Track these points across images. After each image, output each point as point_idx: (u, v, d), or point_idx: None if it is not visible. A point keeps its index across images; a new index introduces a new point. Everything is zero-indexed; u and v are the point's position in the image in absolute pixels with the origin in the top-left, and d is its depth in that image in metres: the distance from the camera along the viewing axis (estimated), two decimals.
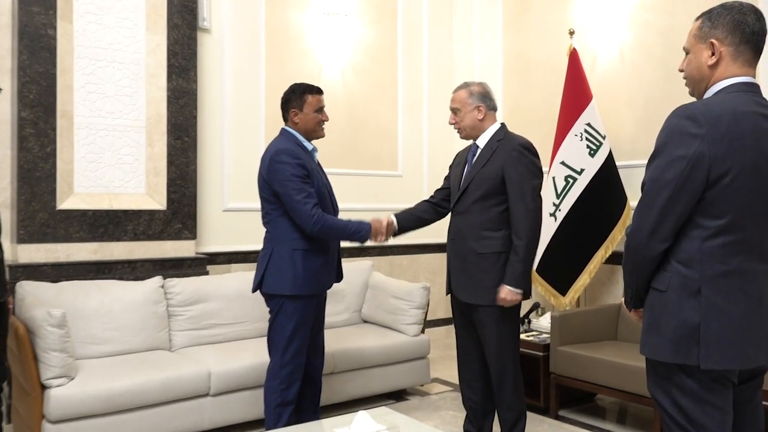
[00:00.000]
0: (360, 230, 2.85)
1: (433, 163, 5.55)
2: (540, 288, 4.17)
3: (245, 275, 3.88)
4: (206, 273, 4.11)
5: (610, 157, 4.04)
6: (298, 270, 2.78)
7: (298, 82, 3.05)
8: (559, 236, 4.08)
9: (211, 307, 3.72)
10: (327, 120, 2.94)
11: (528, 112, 5.03)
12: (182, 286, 3.67)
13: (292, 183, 2.74)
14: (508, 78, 5.24)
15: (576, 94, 4.12)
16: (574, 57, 4.17)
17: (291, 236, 2.80)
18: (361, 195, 5.11)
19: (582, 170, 4.04)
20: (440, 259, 5.41)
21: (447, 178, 3.08)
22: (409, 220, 3.05)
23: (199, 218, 4.32)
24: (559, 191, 4.09)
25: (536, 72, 5.00)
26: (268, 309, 2.90)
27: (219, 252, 4.41)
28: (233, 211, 4.50)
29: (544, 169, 4.32)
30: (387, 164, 5.30)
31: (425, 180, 5.51)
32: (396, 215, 3.04)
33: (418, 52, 5.50)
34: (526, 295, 2.75)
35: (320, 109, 2.92)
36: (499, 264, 2.73)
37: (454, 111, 2.88)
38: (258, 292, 2.91)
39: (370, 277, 4.40)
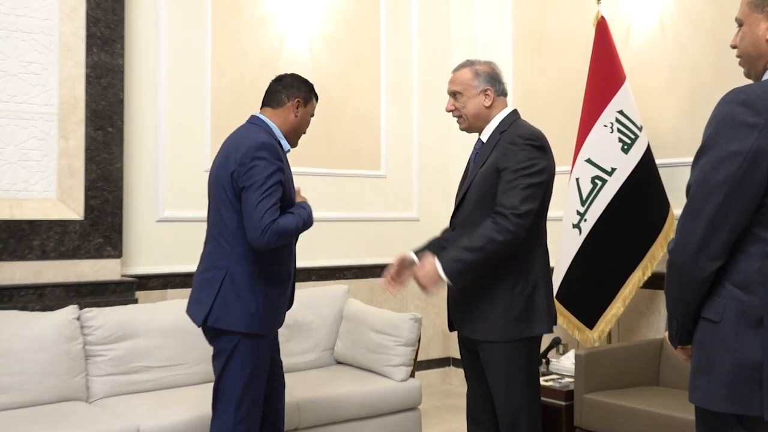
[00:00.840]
0: (306, 209, 2.85)
1: (426, 161, 5.57)
2: (561, 319, 4.16)
3: (185, 304, 3.86)
4: (135, 301, 4.11)
5: (648, 154, 4.07)
6: (260, 301, 2.80)
7: (301, 76, 3.14)
8: (584, 253, 4.09)
9: (140, 346, 3.71)
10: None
11: (544, 98, 5.04)
12: (104, 318, 3.66)
13: (264, 187, 2.75)
14: (518, 55, 5.25)
15: (605, 74, 4.14)
16: (602, 28, 4.20)
17: (253, 256, 2.80)
18: (333, 201, 5.10)
19: (613, 170, 4.06)
20: None
21: None
22: (439, 246, 2.93)
23: (125, 231, 4.31)
24: (584, 197, 4.11)
25: (554, 47, 5.01)
26: (214, 349, 2.88)
27: (151, 274, 4.41)
28: (170, 221, 4.49)
29: (565, 168, 4.38)
30: (367, 162, 5.32)
31: (415, 182, 5.53)
32: (415, 251, 2.91)
33: (405, 21, 5.52)
34: (549, 324, 2.74)
35: (312, 115, 3.11)
36: (508, 288, 2.73)
37: (454, 95, 2.90)
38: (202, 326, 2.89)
39: (345, 305, 4.40)
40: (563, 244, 4.21)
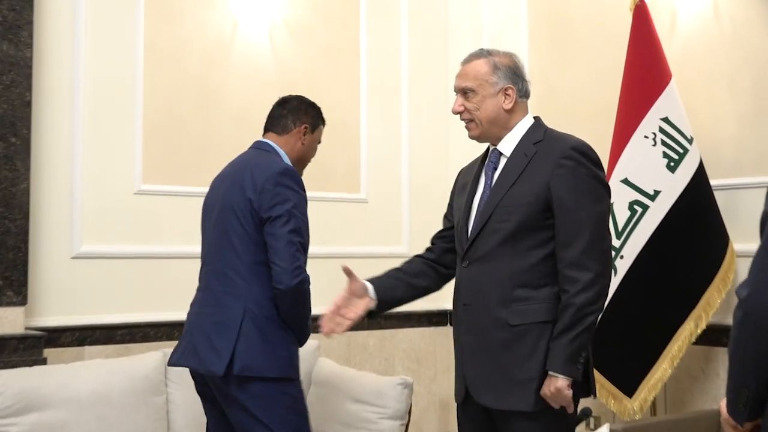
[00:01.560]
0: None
1: (418, 181, 5.58)
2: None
3: (111, 365, 3.92)
4: (44, 361, 4.09)
5: (700, 173, 4.05)
6: (290, 342, 3.22)
7: (310, 101, 3.67)
8: (620, 299, 4.05)
9: (50, 419, 3.69)
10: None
11: (567, 102, 5.05)
12: (2, 383, 3.65)
13: (294, 220, 3.17)
14: (535, 47, 5.26)
15: (645, 72, 4.13)
16: (641, 14, 4.19)
17: (269, 297, 3.14)
18: None
19: (656, 193, 4.04)
20: (433, 337, 5.40)
21: (446, 216, 3.19)
22: (396, 289, 3.09)
23: (31, 271, 4.27)
24: (620, 227, 4.09)
25: (581, 37, 5.02)
26: (235, 402, 3.12)
27: (65, 326, 4.37)
28: (90, 258, 4.45)
29: None
30: (342, 182, 5.31)
31: (405, 208, 5.56)
32: (373, 281, 3.06)
33: (392, 3, 5.56)
34: (587, 388, 2.84)
35: (319, 142, 3.56)
36: (544, 342, 2.78)
37: (465, 93, 2.94)
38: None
39: (314, 366, 4.40)
40: None
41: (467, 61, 2.98)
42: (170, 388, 4.16)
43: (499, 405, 2.80)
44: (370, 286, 3.03)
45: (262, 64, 5.02)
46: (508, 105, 2.90)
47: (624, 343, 4.07)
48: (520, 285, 2.80)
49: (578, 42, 5.03)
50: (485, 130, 2.93)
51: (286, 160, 3.38)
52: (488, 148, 3.02)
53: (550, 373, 2.73)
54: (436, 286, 3.19)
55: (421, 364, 5.43)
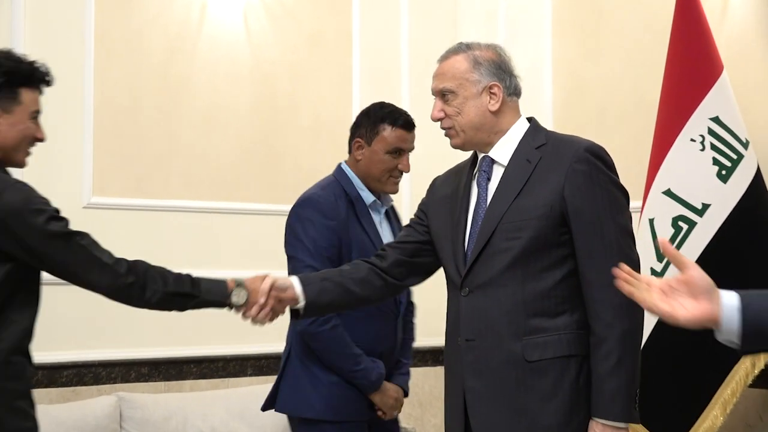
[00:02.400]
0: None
1: (420, 185, 5.46)
2: None
3: (56, 412, 3.97)
4: None
5: (758, 182, 4.06)
6: (334, 381, 3.62)
7: (375, 104, 3.86)
8: (664, 334, 4.05)
9: None
10: (406, 170, 3.73)
11: (599, 99, 5.07)
12: None
13: (301, 253, 3.55)
14: (561, 33, 5.30)
15: (691, 64, 4.13)
16: None
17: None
18: (280, 252, 4.95)
19: (706, 207, 4.05)
20: (439, 378, 5.39)
21: (412, 225, 3.24)
22: (328, 291, 3.11)
23: None
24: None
25: (615, 23, 5.03)
26: None
27: None
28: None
29: (633, 204, 4.34)
30: None
31: (405, 212, 5.47)
32: (302, 279, 3.12)
33: None
34: None
35: (397, 152, 3.70)
36: (570, 378, 2.79)
37: (444, 95, 2.96)
38: None
39: None
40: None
41: (444, 57, 2.99)
42: None
43: None
44: (297, 284, 3.06)
45: (235, 54, 5.03)
46: (494, 105, 2.90)
47: (667, 385, 4.06)
48: (535, 314, 2.79)
49: (612, 29, 5.03)
50: (469, 137, 2.93)
51: (355, 179, 3.71)
52: (475, 155, 3.02)
53: (605, 422, 2.73)
54: (379, 298, 3.24)
55: (425, 410, 5.41)
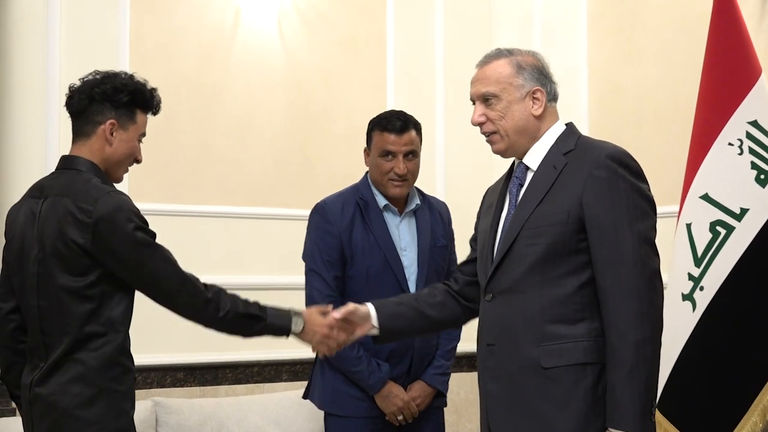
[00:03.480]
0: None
1: (456, 198, 5.50)
2: None
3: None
4: (12, 412, 4.17)
5: None
6: (339, 377, 3.89)
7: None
8: (701, 339, 4.02)
9: None
10: (399, 172, 3.79)
11: (635, 103, 5.04)
12: None
13: (307, 258, 3.86)
14: (596, 37, 5.28)
15: (729, 66, 4.09)
16: None
17: None
18: None
19: (744, 211, 4.00)
20: (475, 384, 5.32)
21: (471, 243, 3.27)
22: (402, 316, 3.18)
23: None
24: (699, 253, 4.06)
25: (652, 26, 5.01)
26: None
27: None
28: None
29: (670, 209, 4.33)
30: None
31: None
32: (377, 305, 3.16)
33: None
34: None
35: (388, 154, 3.81)
36: (585, 386, 2.78)
37: (487, 100, 2.95)
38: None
39: None
40: (668, 326, 4.08)
41: (484, 62, 2.99)
42: None
43: None
44: (373, 312, 3.13)
45: (269, 60, 5.04)
46: (537, 110, 2.90)
47: (704, 391, 4.01)
48: (553, 320, 2.80)
49: (648, 31, 5.01)
50: (512, 142, 2.93)
51: (372, 186, 3.94)
52: (513, 163, 3.02)
53: (609, 427, 2.71)
54: (456, 321, 3.28)
55: (461, 416, 5.39)
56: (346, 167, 5.17)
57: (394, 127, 3.80)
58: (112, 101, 3.13)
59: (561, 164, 2.85)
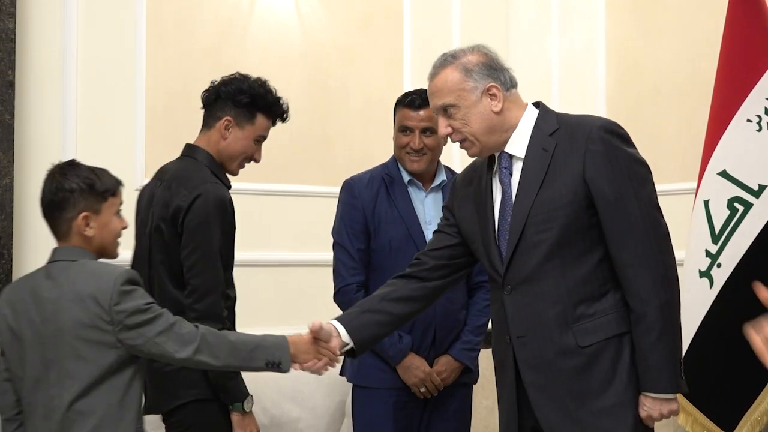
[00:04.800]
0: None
1: None
2: (684, 418, 4.15)
3: None
4: None
5: None
6: None
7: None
8: (718, 316, 4.06)
9: None
10: (415, 146, 3.85)
11: (654, 80, 5.04)
12: None
13: (336, 233, 3.95)
14: (614, 14, 5.27)
15: (748, 42, 4.10)
16: None
17: None
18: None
19: (762, 188, 4.02)
20: (490, 359, 5.30)
21: (442, 230, 3.25)
22: (371, 324, 3.14)
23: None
24: (717, 229, 4.09)
25: (669, 3, 5.00)
26: None
27: None
28: None
29: (687, 185, 4.33)
30: None
31: None
32: (342, 320, 3.12)
33: None
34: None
35: (405, 130, 3.88)
36: (625, 356, 2.85)
37: (446, 111, 2.96)
38: None
39: (349, 395, 4.33)
40: (685, 302, 4.09)
41: (433, 74, 2.98)
42: None
43: None
44: (341, 329, 3.06)
45: (287, 37, 5.04)
46: (497, 106, 2.91)
47: (722, 369, 4.05)
48: (580, 300, 2.83)
49: (666, 7, 4.99)
50: (484, 143, 2.94)
51: (397, 161, 4.00)
52: (495, 156, 3.02)
53: (654, 395, 2.78)
54: (424, 306, 3.24)
55: (477, 392, 5.37)
56: (364, 144, 5.19)
57: (412, 103, 3.84)
58: (233, 100, 3.46)
59: (551, 146, 2.86)
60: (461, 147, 2.99)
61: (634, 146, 2.88)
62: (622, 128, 2.88)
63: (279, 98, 3.54)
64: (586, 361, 2.81)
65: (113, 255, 3.03)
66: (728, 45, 4.16)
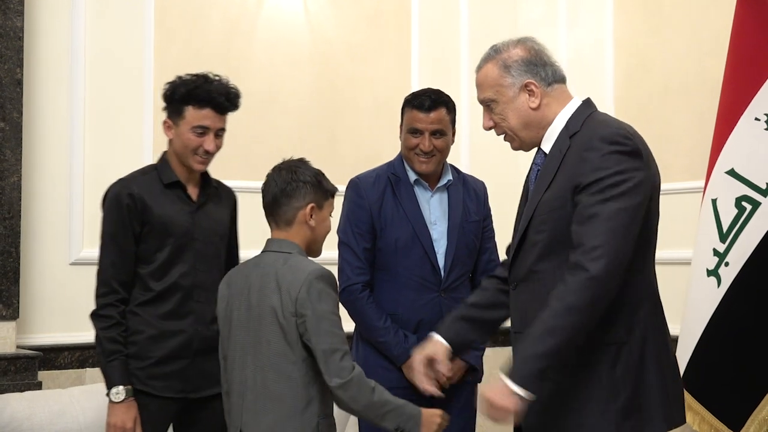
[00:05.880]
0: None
1: (479, 170, 5.45)
2: (691, 417, 4.06)
3: None
4: (38, 385, 4.11)
5: None
6: None
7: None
8: (726, 315, 4.03)
9: None
10: (424, 149, 3.82)
11: (662, 78, 5.03)
12: None
13: (340, 232, 3.90)
14: (623, 11, 5.26)
15: (755, 41, 4.07)
16: None
17: None
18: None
19: None
20: (498, 360, 5.32)
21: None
22: (465, 331, 3.22)
23: (24, 279, 4.31)
24: (725, 228, 4.05)
25: (678, 0, 4.97)
26: None
27: (63, 345, 4.41)
28: (92, 264, 4.27)
29: (695, 184, 4.32)
30: None
31: None
32: (442, 332, 3.19)
33: None
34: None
35: (415, 132, 3.85)
36: (604, 369, 2.77)
37: (488, 105, 2.99)
38: None
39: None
40: (693, 302, 4.16)
41: (478, 68, 3.01)
42: None
43: None
44: (442, 341, 3.16)
45: (294, 35, 5.04)
46: (534, 102, 2.90)
47: (729, 368, 4.02)
48: None
49: (675, 5, 4.97)
50: (523, 138, 2.95)
51: (403, 159, 3.97)
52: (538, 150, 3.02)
53: (505, 378, 2.66)
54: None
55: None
56: (371, 142, 5.18)
57: (421, 106, 3.83)
58: (166, 103, 3.54)
59: (565, 147, 2.84)
60: (505, 139, 3.01)
61: (635, 156, 2.73)
62: (627, 138, 2.75)
63: (201, 84, 3.51)
64: (576, 363, 2.76)
65: (318, 252, 3.20)
66: (736, 43, 4.13)
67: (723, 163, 4.08)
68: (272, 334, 2.96)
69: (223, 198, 3.77)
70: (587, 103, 2.95)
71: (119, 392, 3.32)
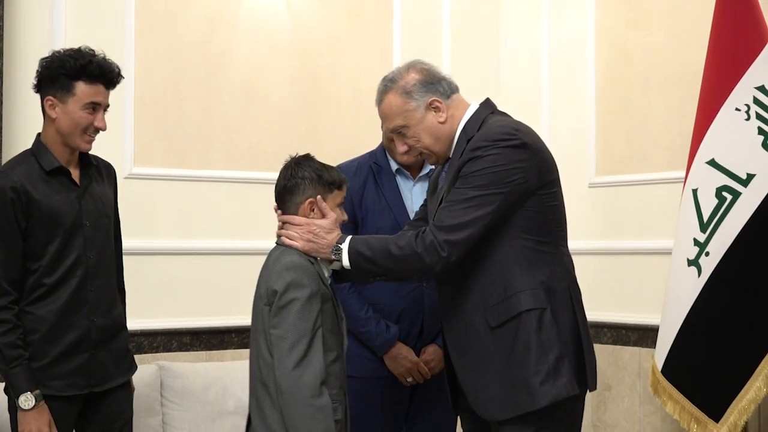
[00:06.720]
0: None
1: None
2: (672, 406, 4.14)
3: None
4: None
5: None
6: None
7: None
8: (706, 304, 4.05)
9: None
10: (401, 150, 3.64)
11: (642, 68, 5.04)
12: None
13: None
14: (604, 4, 5.26)
15: (736, 31, 4.09)
16: None
17: None
18: None
19: (750, 177, 4.00)
20: None
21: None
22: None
23: None
24: (705, 218, 4.07)
25: None
26: None
27: None
28: None
29: (676, 174, 4.34)
30: None
31: None
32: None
33: None
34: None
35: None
36: (530, 331, 3.01)
37: (399, 133, 3.17)
38: None
39: None
40: (673, 291, 4.18)
41: (378, 101, 3.18)
42: (166, 408, 4.20)
43: (488, 413, 3.06)
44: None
45: (276, 26, 5.02)
46: (442, 117, 3.09)
47: (709, 356, 4.04)
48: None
49: None
50: (438, 153, 3.13)
51: (379, 148, 4.08)
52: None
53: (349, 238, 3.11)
54: None
55: None
56: (352, 133, 5.17)
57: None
58: (50, 79, 3.39)
59: (461, 151, 3.03)
60: (421, 158, 3.23)
61: (521, 148, 2.96)
62: (512, 134, 2.97)
63: (91, 59, 3.39)
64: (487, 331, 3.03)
65: None
66: (717, 34, 4.14)
67: (703, 153, 4.10)
68: (260, 324, 3.08)
69: (104, 175, 3.63)
70: (486, 105, 3.16)
71: (28, 399, 3.23)
